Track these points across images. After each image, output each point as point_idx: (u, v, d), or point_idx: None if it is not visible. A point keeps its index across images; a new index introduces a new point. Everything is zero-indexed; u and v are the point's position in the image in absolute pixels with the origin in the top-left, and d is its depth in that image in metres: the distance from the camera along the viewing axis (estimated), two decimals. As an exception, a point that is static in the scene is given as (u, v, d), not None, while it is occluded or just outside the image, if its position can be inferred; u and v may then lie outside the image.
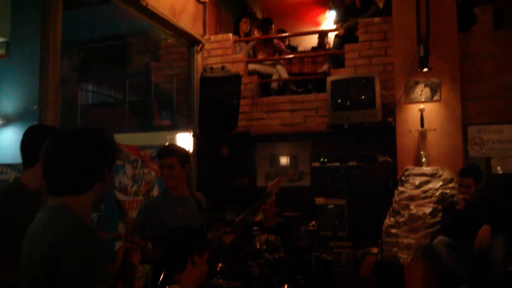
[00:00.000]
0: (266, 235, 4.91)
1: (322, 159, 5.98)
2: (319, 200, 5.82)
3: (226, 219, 5.77)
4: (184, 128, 6.54)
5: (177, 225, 2.59)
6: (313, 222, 5.46)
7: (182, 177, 3.20)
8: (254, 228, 4.97)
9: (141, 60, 7.82)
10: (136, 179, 5.49)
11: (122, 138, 5.30)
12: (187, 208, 3.15)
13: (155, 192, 5.34)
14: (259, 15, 8.53)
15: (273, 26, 7.44)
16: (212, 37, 6.77)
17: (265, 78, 6.83)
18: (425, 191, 5.03)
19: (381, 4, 6.86)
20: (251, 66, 6.85)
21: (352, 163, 5.80)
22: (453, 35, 5.28)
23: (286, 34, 7.80)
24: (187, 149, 6.00)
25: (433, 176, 5.06)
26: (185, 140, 6.40)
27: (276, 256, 4.63)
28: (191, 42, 6.58)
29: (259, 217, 5.14)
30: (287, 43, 7.96)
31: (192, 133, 6.43)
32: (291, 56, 7.20)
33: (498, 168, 5.42)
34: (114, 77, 8.32)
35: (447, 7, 5.28)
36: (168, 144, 3.41)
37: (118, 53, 8.33)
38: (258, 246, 4.83)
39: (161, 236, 2.72)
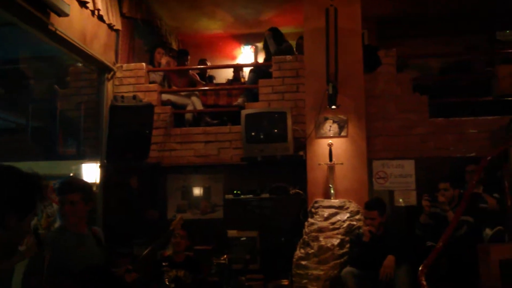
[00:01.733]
0: (175, 271, 4.74)
1: (235, 191, 5.98)
2: (232, 233, 5.78)
3: (133, 254, 5.52)
4: (91, 158, 6.24)
5: (78, 266, 2.41)
6: (225, 256, 5.40)
7: (84, 214, 3.03)
8: (163, 263, 4.78)
9: (47, 86, 7.42)
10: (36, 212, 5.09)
11: (22, 167, 4.93)
12: (87, 246, 2.97)
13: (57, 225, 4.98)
14: (174, 45, 8.52)
15: (188, 57, 7.44)
16: (125, 65, 6.62)
17: (179, 109, 6.76)
18: (333, 223, 5.17)
19: (293, 43, 7.17)
20: (165, 96, 6.76)
21: (265, 195, 5.86)
22: (360, 76, 5.60)
23: (202, 66, 7.84)
24: (91, 183, 5.72)
25: (340, 208, 5.23)
26: (91, 171, 6.10)
27: (186, 293, 4.48)
28: (102, 69, 6.37)
29: (169, 251, 4.97)
30: (207, 74, 8.01)
31: (99, 163, 6.14)
32: (206, 88, 7.22)
33: (401, 200, 5.75)
34: (16, 103, 7.79)
35: (354, 49, 5.61)
36: (71, 178, 3.24)
37: (22, 78, 7.84)
38: (167, 283, 4.63)
39: (61, 278, 2.52)
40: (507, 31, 8.10)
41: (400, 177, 5.75)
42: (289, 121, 5.69)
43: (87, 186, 3.15)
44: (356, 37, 5.68)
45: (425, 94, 6.07)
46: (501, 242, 4.52)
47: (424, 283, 3.75)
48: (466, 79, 6.78)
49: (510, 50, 6.96)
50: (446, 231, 4.18)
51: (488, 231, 4.72)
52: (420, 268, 3.90)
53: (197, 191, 6.38)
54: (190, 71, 7.33)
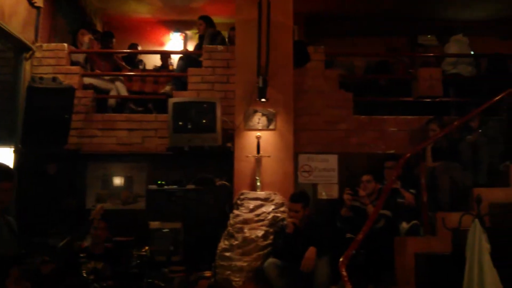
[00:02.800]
0: (93, 263, 4.54)
1: (159, 182, 5.84)
2: (154, 224, 5.62)
3: (49, 245, 5.21)
4: (5, 143, 5.80)
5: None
6: (146, 248, 5.27)
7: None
8: (81, 255, 4.57)
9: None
10: None
11: None
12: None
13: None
14: (99, 27, 8.13)
15: (114, 40, 7.13)
16: (45, 45, 6.22)
17: (102, 94, 6.47)
18: (258, 215, 5.19)
19: (225, 34, 7.11)
20: (87, 80, 6.44)
21: (190, 186, 5.77)
22: (289, 70, 5.64)
23: (128, 50, 7.56)
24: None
25: (266, 200, 5.26)
26: (4, 156, 5.68)
27: (105, 285, 4.31)
28: (20, 48, 5.93)
29: (87, 242, 4.77)
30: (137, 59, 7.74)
31: (13, 148, 5.73)
32: (132, 73, 6.96)
33: (323, 193, 5.91)
34: None
35: (285, 43, 5.63)
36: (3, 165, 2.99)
37: None
38: (85, 275, 4.43)
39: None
40: (428, 36, 8.57)
41: (324, 171, 5.91)
42: (218, 112, 5.64)
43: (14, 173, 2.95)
44: (287, 31, 5.71)
45: (350, 91, 6.27)
46: (416, 236, 4.76)
47: (345, 273, 3.84)
48: (388, 80, 7.09)
49: (430, 54, 7.34)
50: (366, 224, 4.32)
51: (404, 225, 4.96)
52: (340, 259, 4.00)
53: (118, 180, 6.16)
54: (115, 55, 7.03)
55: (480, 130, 5.51)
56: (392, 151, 5.90)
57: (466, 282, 3.74)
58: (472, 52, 7.27)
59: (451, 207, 4.99)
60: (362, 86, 6.95)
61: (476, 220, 3.81)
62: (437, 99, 6.37)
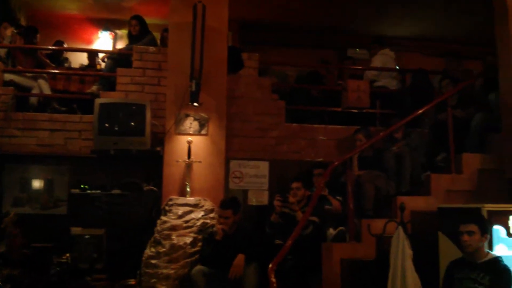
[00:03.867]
0: (9, 270, 4.25)
1: (82, 186, 5.57)
2: (76, 230, 5.34)
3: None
4: None
5: None
6: (67, 254, 5.00)
7: None
8: (-4, 261, 4.26)
9: None
10: None
11: None
12: None
13: None
14: (23, 22, 7.69)
15: (38, 35, 6.76)
16: (-38, 37, 5.78)
17: (23, 91, 6.10)
18: (187, 221, 5.08)
19: (157, 35, 6.96)
20: (8, 76, 6.06)
21: (116, 191, 5.55)
22: (223, 76, 5.59)
23: (53, 47, 7.20)
24: None
25: (195, 206, 5.16)
26: None
27: (21, 293, 4.04)
28: None
29: (1, 249, 4.46)
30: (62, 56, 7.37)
31: None
32: (56, 71, 6.63)
33: (253, 200, 5.91)
34: None
35: (219, 48, 5.58)
36: None
37: None
38: (0, 284, 4.14)
39: None
40: (357, 49, 8.89)
41: (255, 177, 5.92)
42: (148, 115, 5.48)
43: None
44: (222, 37, 5.66)
45: (283, 99, 6.34)
46: (343, 242, 4.87)
47: (273, 280, 3.85)
48: (319, 90, 7.25)
49: (359, 67, 7.59)
50: (295, 230, 4.36)
51: (331, 231, 5.05)
52: (269, 266, 4.00)
53: (38, 183, 5.86)
54: (38, 51, 6.66)
55: (403, 141, 5.74)
56: (321, 159, 6.02)
57: (390, 286, 3.86)
58: (397, 67, 7.62)
59: (375, 214, 5.16)
60: (294, 95, 7.05)
61: (400, 227, 3.95)
62: (364, 110, 6.60)
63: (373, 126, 6.49)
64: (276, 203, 5.09)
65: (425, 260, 4.11)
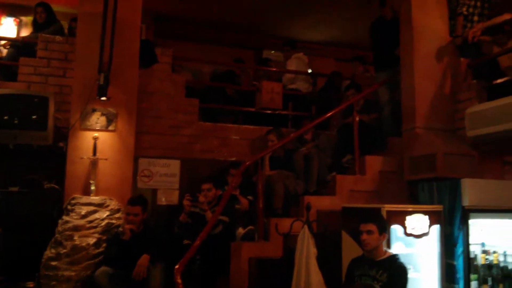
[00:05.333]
0: None
1: (-24, 182, 5.13)
2: (-34, 230, 4.91)
3: None
4: None
5: None
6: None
7: None
8: None
9: None
10: None
11: None
12: None
13: None
14: None
15: None
16: None
17: None
18: (90, 221, 4.86)
19: (65, 24, 6.60)
20: None
21: (14, 189, 5.17)
22: (134, 70, 5.42)
23: None
24: None
25: (100, 205, 4.95)
26: None
27: None
28: None
29: None
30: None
31: None
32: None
33: (163, 199, 5.78)
34: None
35: (131, 41, 5.41)
36: None
37: None
38: None
39: None
40: (273, 51, 9.03)
41: (165, 176, 5.79)
42: (51, 108, 5.16)
43: None
44: (134, 29, 5.49)
45: (196, 97, 6.27)
46: (251, 241, 4.90)
47: (179, 281, 3.79)
48: (234, 89, 7.27)
49: (273, 69, 7.71)
50: (204, 229, 4.33)
51: (240, 230, 5.07)
52: (176, 267, 3.93)
53: None
54: None
55: (312, 143, 5.92)
56: (233, 159, 6.03)
57: (294, 284, 3.95)
58: (310, 70, 7.83)
59: (285, 213, 5.26)
60: (208, 93, 7.00)
61: (305, 226, 4.05)
62: (276, 111, 6.71)
63: (285, 127, 6.61)
64: (185, 202, 5.03)
65: (330, 258, 4.26)
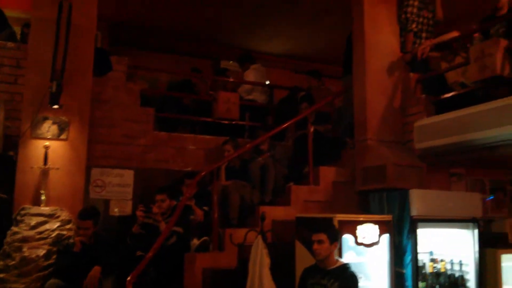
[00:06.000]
0: None
1: None
2: None
3: None
4: None
5: None
6: None
7: None
8: None
9: None
10: None
11: None
12: None
13: None
14: None
15: None
16: None
17: None
18: (40, 232, 4.73)
19: (18, 30, 6.42)
20: None
21: (-43, 198, 4.97)
22: (88, 78, 5.34)
23: None
24: None
25: (51, 216, 4.83)
26: None
27: None
28: None
29: None
30: None
31: None
32: None
33: (116, 210, 5.69)
34: None
35: (86, 49, 5.33)
36: None
37: None
38: None
39: None
40: (231, 62, 9.08)
41: (118, 186, 5.71)
42: (1, 116, 5.03)
43: None
44: (89, 37, 5.41)
45: (152, 106, 6.23)
46: (206, 252, 4.90)
47: (131, 293, 3.74)
48: (191, 99, 7.26)
49: (230, 79, 7.75)
50: (157, 241, 4.29)
51: (195, 241, 5.06)
52: (128, 278, 3.89)
53: None
54: None
55: (268, 153, 5.98)
56: (189, 169, 6.02)
57: (247, 295, 3.97)
58: (267, 82, 7.92)
59: (240, 223, 5.28)
60: (164, 102, 6.96)
61: (259, 236, 4.08)
62: (233, 122, 6.75)
63: (241, 137, 6.66)
64: (138, 213, 4.96)
65: (284, 267, 4.31)
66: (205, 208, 5.38)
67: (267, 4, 7.13)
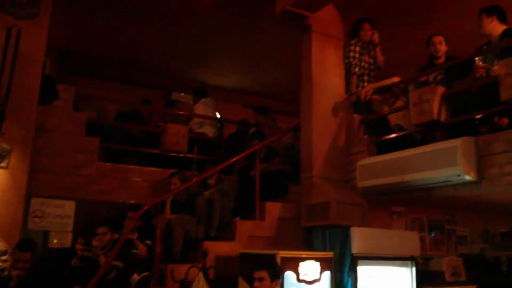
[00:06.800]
0: None
1: None
2: None
3: None
4: None
5: None
6: None
7: None
8: None
9: None
10: None
11: None
12: None
13: None
14: None
15: None
16: None
17: None
18: (-27, 265, 4.48)
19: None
20: None
21: None
22: (33, 106, 5.19)
23: None
24: None
25: (-15, 248, 4.59)
26: None
27: None
28: None
29: None
30: None
31: None
32: None
33: (55, 241, 5.48)
34: None
35: (32, 76, 5.19)
36: None
37: None
38: None
39: None
40: (182, 94, 9.09)
41: (59, 217, 5.53)
42: None
43: None
44: (36, 65, 5.28)
45: (99, 135, 6.13)
46: (146, 287, 4.78)
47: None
48: (139, 129, 7.19)
49: (180, 112, 7.75)
50: (96, 275, 4.17)
51: (136, 276, 4.92)
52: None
53: None
54: None
55: (216, 187, 5.98)
56: (133, 201, 5.91)
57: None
58: (218, 115, 7.99)
59: (184, 259, 5.21)
60: (112, 132, 6.87)
61: (200, 273, 4.05)
62: (181, 154, 6.73)
63: (189, 170, 6.63)
64: (78, 246, 4.81)
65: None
66: (148, 242, 5.27)
67: (219, 39, 7.26)
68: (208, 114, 7.60)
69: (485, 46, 4.84)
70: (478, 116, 4.61)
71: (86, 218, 5.63)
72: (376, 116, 5.59)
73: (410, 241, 5.10)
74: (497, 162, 4.14)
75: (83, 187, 5.76)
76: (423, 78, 5.35)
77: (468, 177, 4.19)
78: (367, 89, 5.59)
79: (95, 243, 4.78)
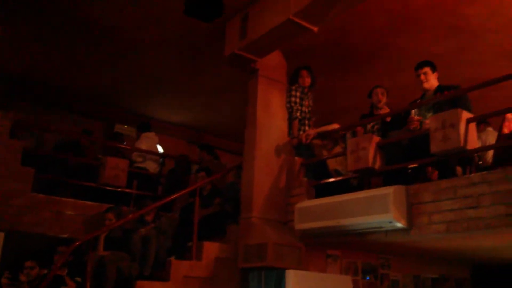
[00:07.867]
0: None
1: None
2: None
3: None
4: None
5: None
6: None
7: None
8: None
9: None
10: None
11: None
12: None
13: None
14: None
15: None
16: None
17: None
18: None
19: None
20: None
21: None
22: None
23: None
24: None
25: None
26: None
27: None
28: None
29: None
30: None
31: None
32: None
33: None
34: None
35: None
36: None
37: None
38: None
39: None
40: (125, 126, 8.95)
41: None
42: None
43: None
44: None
45: (35, 164, 5.90)
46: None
47: None
48: (77, 161, 6.97)
49: (122, 145, 7.60)
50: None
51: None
52: None
53: None
54: None
55: (153, 224, 5.85)
56: (66, 235, 5.68)
57: None
58: (161, 150, 7.91)
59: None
60: (49, 162, 6.62)
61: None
62: (119, 189, 6.57)
63: (127, 206, 6.47)
64: (3, 281, 4.57)
65: None
66: (78, 279, 5.06)
67: (167, 74, 7.27)
68: (151, 149, 7.51)
69: (419, 100, 5.13)
70: (412, 166, 4.83)
71: (15, 251, 5.33)
72: (316, 160, 5.73)
73: (343, 285, 5.16)
74: (426, 211, 4.31)
75: (14, 218, 5.49)
76: (359, 129, 5.57)
77: (398, 224, 4.34)
78: (308, 133, 5.75)
79: (22, 278, 4.55)
